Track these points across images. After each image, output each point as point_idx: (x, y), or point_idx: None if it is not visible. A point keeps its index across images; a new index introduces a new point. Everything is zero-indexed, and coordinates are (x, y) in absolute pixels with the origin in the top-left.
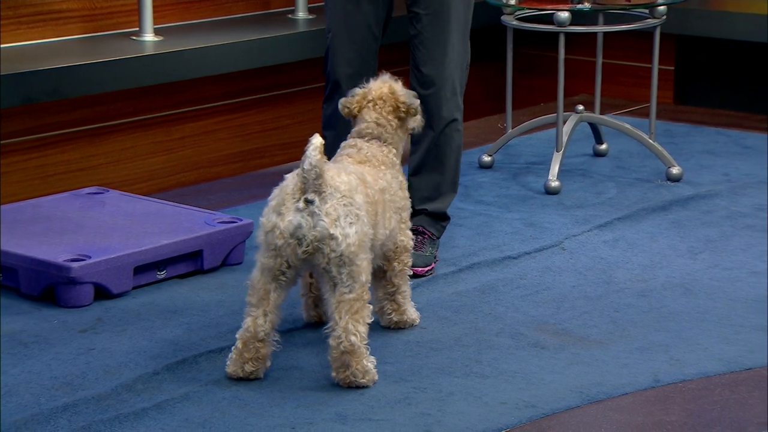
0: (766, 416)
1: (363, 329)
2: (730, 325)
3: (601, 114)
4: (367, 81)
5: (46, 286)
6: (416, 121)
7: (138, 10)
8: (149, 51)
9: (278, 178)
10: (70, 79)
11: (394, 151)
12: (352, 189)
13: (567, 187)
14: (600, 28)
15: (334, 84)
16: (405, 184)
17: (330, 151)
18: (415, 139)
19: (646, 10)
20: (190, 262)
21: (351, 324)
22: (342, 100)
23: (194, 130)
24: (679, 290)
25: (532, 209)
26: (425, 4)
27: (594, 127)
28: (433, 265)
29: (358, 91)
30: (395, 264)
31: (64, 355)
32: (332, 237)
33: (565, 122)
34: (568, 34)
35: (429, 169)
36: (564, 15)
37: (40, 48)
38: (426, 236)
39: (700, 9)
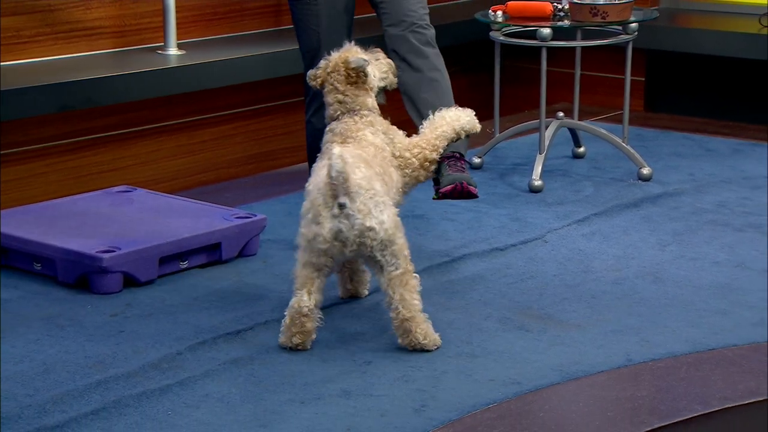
0: (727, 391)
1: (417, 296)
2: (694, 310)
3: (579, 120)
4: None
5: (81, 274)
6: (387, 81)
7: (163, 27)
8: (173, 63)
9: (288, 178)
10: (102, 89)
11: (365, 112)
12: (371, 179)
13: (549, 185)
14: (578, 43)
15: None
16: (384, 123)
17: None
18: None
19: (620, 27)
20: (209, 254)
21: (406, 294)
22: (309, 72)
23: (213, 135)
24: (649, 278)
25: (518, 206)
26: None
27: (573, 132)
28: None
29: (321, 63)
30: (421, 171)
31: (96, 337)
32: (370, 229)
33: (547, 127)
34: (549, 48)
35: (426, 87)
36: (546, 31)
37: (75, 61)
38: (463, 161)
39: (668, 26)
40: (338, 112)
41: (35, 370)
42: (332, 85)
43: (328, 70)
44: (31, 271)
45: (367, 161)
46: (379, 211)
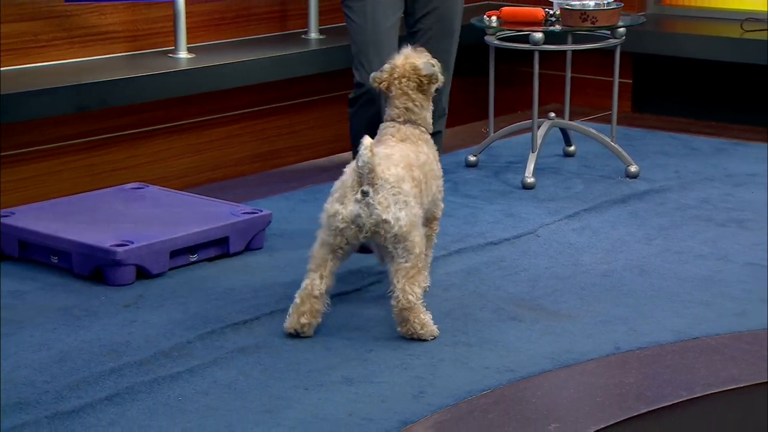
0: (711, 378)
1: (418, 290)
2: (679, 301)
3: (569, 120)
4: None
5: (95, 267)
6: (439, 82)
7: (174, 31)
8: (183, 66)
9: (293, 175)
10: (116, 91)
11: (424, 128)
12: (400, 179)
13: (541, 182)
14: (569, 47)
15: (370, 89)
16: (438, 156)
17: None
18: None
19: (608, 32)
20: (218, 247)
21: (407, 286)
22: (373, 75)
23: (221, 134)
24: (637, 271)
25: (511, 202)
26: (431, 19)
27: (564, 132)
28: None
29: (386, 67)
30: (426, 230)
31: (110, 327)
32: (386, 221)
33: (539, 127)
34: (541, 52)
35: None
36: (538, 35)
37: (90, 64)
38: None
39: (654, 31)
40: (401, 118)
41: (52, 357)
42: (402, 90)
43: (395, 75)
44: (49, 263)
45: (410, 165)
46: (398, 208)
